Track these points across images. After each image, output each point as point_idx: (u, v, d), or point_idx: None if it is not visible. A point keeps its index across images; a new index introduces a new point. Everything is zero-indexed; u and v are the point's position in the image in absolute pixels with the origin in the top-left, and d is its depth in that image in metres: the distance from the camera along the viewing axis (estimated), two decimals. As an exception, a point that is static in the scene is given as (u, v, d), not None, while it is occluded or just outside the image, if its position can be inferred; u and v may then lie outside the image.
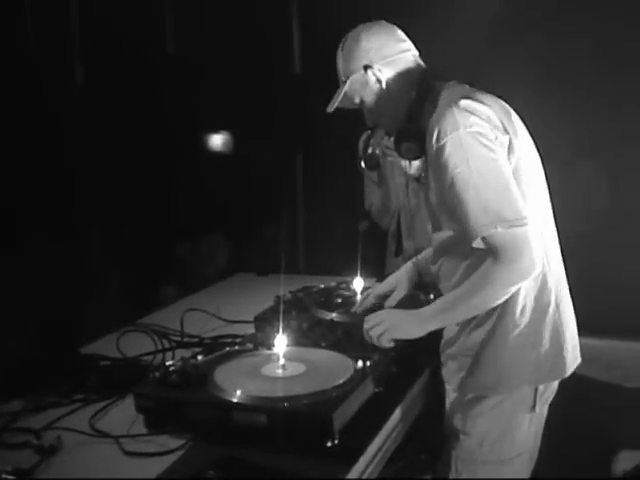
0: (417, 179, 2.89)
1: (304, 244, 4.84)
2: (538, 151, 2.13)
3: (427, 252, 2.37)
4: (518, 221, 1.84)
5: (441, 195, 2.00)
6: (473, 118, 1.89)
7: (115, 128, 5.10)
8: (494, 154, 1.89)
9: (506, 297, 1.94)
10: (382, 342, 2.05)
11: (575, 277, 2.21)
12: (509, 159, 1.94)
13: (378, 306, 2.36)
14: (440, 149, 1.90)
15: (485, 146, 1.88)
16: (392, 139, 2.83)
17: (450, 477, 2.20)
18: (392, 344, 2.06)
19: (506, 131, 1.94)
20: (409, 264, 2.46)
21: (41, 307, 4.43)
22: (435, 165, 1.95)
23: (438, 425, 2.27)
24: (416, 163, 2.60)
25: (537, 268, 1.89)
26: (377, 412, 1.94)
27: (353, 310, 2.41)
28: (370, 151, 3.00)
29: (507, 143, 1.94)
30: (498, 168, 1.88)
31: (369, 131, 3.05)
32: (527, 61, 3.47)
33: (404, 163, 2.94)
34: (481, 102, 1.94)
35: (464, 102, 1.92)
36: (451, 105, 1.91)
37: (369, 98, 2.11)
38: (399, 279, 2.42)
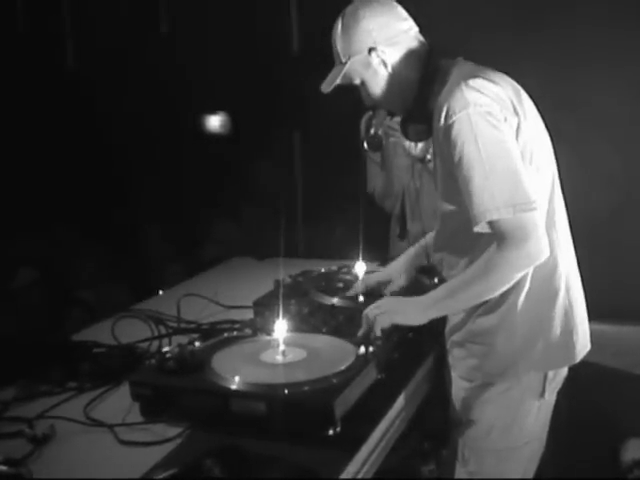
0: (421, 160, 2.88)
1: (304, 227, 4.83)
2: (549, 132, 2.11)
3: (431, 236, 2.35)
4: (526, 205, 1.83)
5: (446, 179, 1.99)
6: (483, 97, 1.88)
7: (109, 108, 5.09)
8: (503, 135, 1.87)
9: (511, 284, 1.94)
10: (378, 324, 2.04)
11: (584, 261, 2.20)
12: (517, 141, 1.92)
13: (371, 291, 2.35)
14: (448, 128, 1.88)
15: (494, 127, 1.86)
16: (394, 119, 2.84)
17: (457, 465, 2.20)
18: (388, 325, 2.04)
19: (516, 112, 1.93)
20: (410, 251, 2.46)
21: (33, 292, 4.43)
22: (442, 145, 1.93)
23: (442, 412, 2.27)
24: (420, 143, 2.59)
25: (544, 255, 1.89)
26: (380, 399, 1.93)
27: (349, 294, 2.41)
28: (372, 132, 2.98)
29: (516, 125, 1.93)
30: (507, 150, 1.87)
31: (371, 111, 3.03)
32: (536, 37, 3.44)
33: (408, 144, 2.92)
34: (492, 81, 1.93)
35: (474, 80, 1.90)
36: (460, 83, 1.89)
37: (372, 80, 2.07)
38: (396, 270, 2.43)
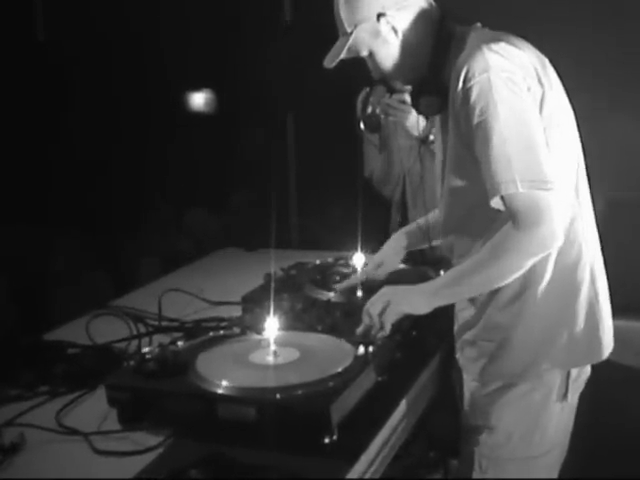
0: (423, 141, 2.88)
1: (297, 215, 4.83)
2: (573, 108, 2.11)
3: (435, 215, 2.35)
4: (542, 184, 1.83)
5: (459, 150, 1.99)
6: (506, 62, 1.87)
7: (83, 88, 5.08)
8: (525, 105, 1.87)
9: (522, 271, 1.94)
10: (385, 320, 2.04)
11: (608, 251, 2.20)
12: (541, 114, 1.92)
13: (367, 284, 2.36)
14: (466, 92, 1.88)
15: (516, 95, 1.86)
16: (394, 97, 2.84)
17: (474, 476, 2.20)
18: (396, 318, 2.04)
19: (540, 82, 1.93)
20: (398, 235, 2.48)
21: (1, 289, 4.42)
22: (459, 112, 1.93)
23: (449, 418, 2.27)
24: (422, 123, 2.58)
25: (557, 242, 1.89)
26: (381, 404, 1.93)
27: (336, 286, 2.43)
28: (370, 111, 2.98)
29: (540, 96, 1.92)
30: (527, 122, 1.87)
31: (368, 88, 3.02)
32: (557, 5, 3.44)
33: (409, 123, 2.92)
34: (515, 46, 1.93)
35: (497, 44, 1.90)
36: (482, 46, 1.89)
37: (381, 50, 2.05)
38: (385, 255, 2.45)
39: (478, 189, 1.92)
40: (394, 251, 2.47)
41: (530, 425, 2.13)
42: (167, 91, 5.16)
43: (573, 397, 2.15)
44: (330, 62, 2.07)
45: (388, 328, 2.03)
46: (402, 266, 2.50)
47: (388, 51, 2.05)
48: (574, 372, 2.12)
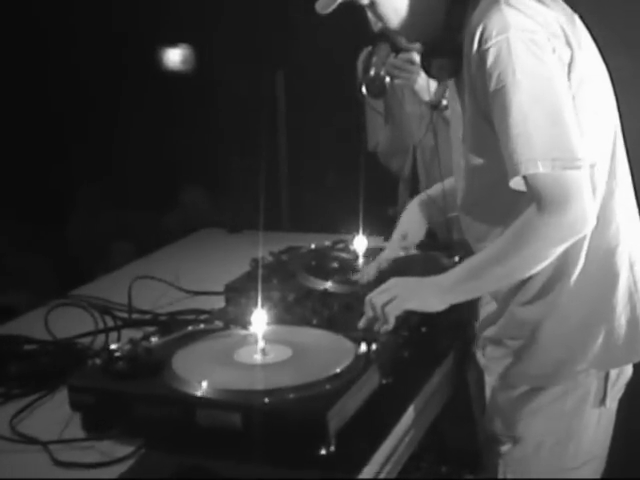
0: (436, 107, 2.86)
1: (289, 193, 4.83)
2: (609, 73, 2.10)
3: (451, 184, 2.34)
4: (571, 162, 1.83)
5: (476, 122, 1.98)
6: (527, 21, 1.86)
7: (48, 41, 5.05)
8: (549, 70, 1.87)
9: (549, 260, 1.94)
10: (388, 313, 2.03)
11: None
12: (569, 79, 1.91)
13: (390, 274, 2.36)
14: (482, 55, 1.87)
15: (539, 58, 1.85)
16: (400, 56, 2.83)
17: None
18: (400, 313, 2.04)
19: (568, 43, 1.92)
20: (414, 205, 2.51)
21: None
22: (474, 77, 1.93)
23: (465, 427, 2.27)
24: (433, 85, 2.57)
25: (588, 226, 1.89)
26: (385, 410, 1.93)
27: (355, 278, 2.41)
28: (373, 73, 2.95)
29: (568, 58, 1.92)
30: (553, 89, 1.86)
31: (370, 47, 3.01)
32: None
33: (418, 87, 2.90)
34: (538, 1, 1.91)
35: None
36: (499, 1, 1.88)
37: None
38: (409, 225, 2.47)
39: (500, 165, 1.92)
40: (417, 223, 2.47)
41: (562, 434, 2.14)
42: (140, 48, 5.14)
43: (612, 403, 2.16)
44: (323, 7, 2.05)
45: (392, 321, 2.03)
46: (413, 252, 2.50)
47: (394, 1, 2.03)
48: (613, 373, 2.12)
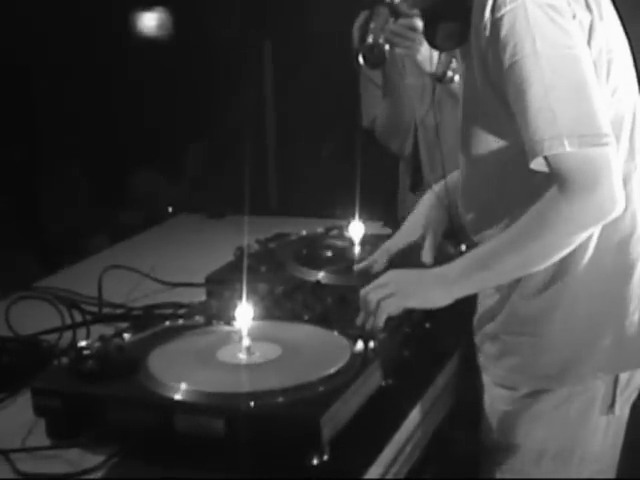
0: (440, 79, 2.85)
1: (277, 173, 4.83)
2: (629, 42, 2.10)
3: (454, 178, 2.34)
4: (597, 138, 1.82)
5: (486, 98, 1.98)
6: None
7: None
8: (570, 38, 1.86)
9: (571, 248, 1.93)
10: (382, 310, 2.02)
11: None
12: (590, 47, 1.91)
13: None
14: (495, 23, 1.87)
15: (559, 26, 1.85)
16: (399, 21, 2.81)
17: None
18: (396, 312, 2.04)
19: (588, 7, 1.92)
20: (429, 197, 2.47)
21: None
22: (485, 48, 1.92)
23: (473, 434, 2.27)
24: (436, 55, 2.57)
25: (618, 207, 1.88)
26: (385, 415, 1.93)
27: (359, 267, 2.41)
28: (370, 41, 2.94)
29: (588, 24, 1.92)
30: (575, 59, 1.86)
31: (367, 12, 3.00)
32: None
33: (421, 56, 2.89)
34: None
35: None
36: None
37: None
38: (424, 222, 2.43)
39: (512, 146, 1.93)
40: (436, 221, 2.43)
41: (566, 442, 2.14)
42: (107, 10, 5.14)
43: (622, 408, 2.16)
44: None
45: (382, 319, 2.02)
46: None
47: None
48: (623, 377, 2.13)
